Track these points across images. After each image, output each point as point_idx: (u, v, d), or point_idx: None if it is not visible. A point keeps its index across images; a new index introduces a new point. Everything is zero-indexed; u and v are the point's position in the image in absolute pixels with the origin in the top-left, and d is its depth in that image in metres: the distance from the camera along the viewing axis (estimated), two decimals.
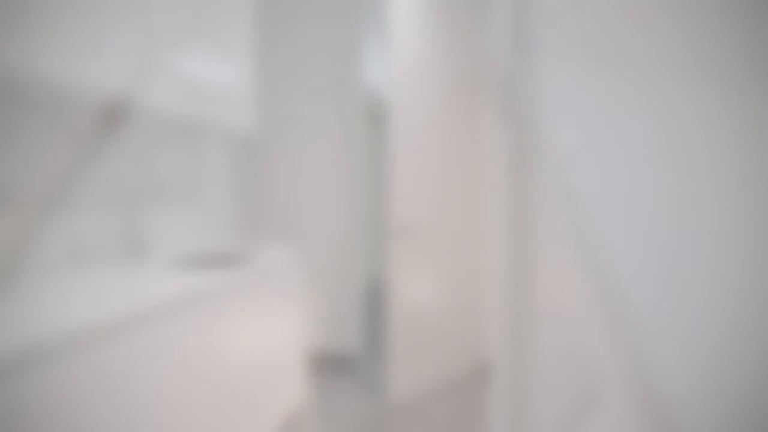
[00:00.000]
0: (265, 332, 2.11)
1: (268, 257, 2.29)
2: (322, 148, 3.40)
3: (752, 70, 0.80)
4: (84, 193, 1.81)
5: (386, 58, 2.61)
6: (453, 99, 3.04)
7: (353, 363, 3.37)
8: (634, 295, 0.86)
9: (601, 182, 0.88)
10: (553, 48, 0.85)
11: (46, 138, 1.64)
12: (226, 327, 1.73)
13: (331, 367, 3.37)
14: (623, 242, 0.86)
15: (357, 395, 2.92)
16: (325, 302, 3.40)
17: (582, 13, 0.85)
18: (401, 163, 2.69)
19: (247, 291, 1.95)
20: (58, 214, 1.69)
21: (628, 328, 0.87)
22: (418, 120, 2.78)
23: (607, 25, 0.87)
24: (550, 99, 0.85)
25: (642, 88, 0.87)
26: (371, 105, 5.89)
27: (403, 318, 2.73)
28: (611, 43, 0.86)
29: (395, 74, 2.62)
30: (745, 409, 0.77)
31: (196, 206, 2.63)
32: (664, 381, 0.84)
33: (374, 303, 4.80)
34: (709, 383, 0.80)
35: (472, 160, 3.19)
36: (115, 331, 1.18)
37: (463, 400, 2.82)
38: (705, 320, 0.84)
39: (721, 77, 0.82)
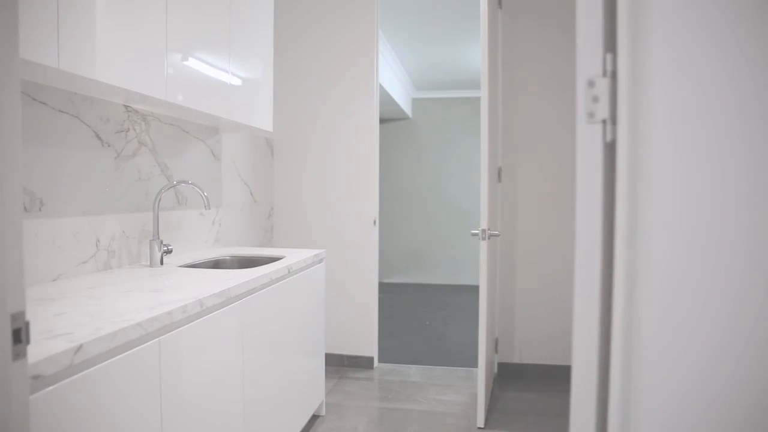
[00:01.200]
0: (293, 328, 2.12)
1: (295, 257, 2.29)
2: (339, 151, 3.40)
3: None
4: (108, 194, 1.85)
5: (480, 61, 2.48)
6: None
7: (370, 365, 3.39)
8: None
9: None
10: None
11: (71, 139, 1.69)
12: (255, 322, 1.73)
13: (351, 367, 3.37)
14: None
15: (371, 396, 2.92)
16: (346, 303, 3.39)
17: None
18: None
19: (278, 288, 1.97)
20: (82, 215, 1.73)
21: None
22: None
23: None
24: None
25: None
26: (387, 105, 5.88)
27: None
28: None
29: (483, 78, 2.50)
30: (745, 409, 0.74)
31: (217, 207, 2.67)
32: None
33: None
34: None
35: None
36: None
37: None
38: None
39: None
